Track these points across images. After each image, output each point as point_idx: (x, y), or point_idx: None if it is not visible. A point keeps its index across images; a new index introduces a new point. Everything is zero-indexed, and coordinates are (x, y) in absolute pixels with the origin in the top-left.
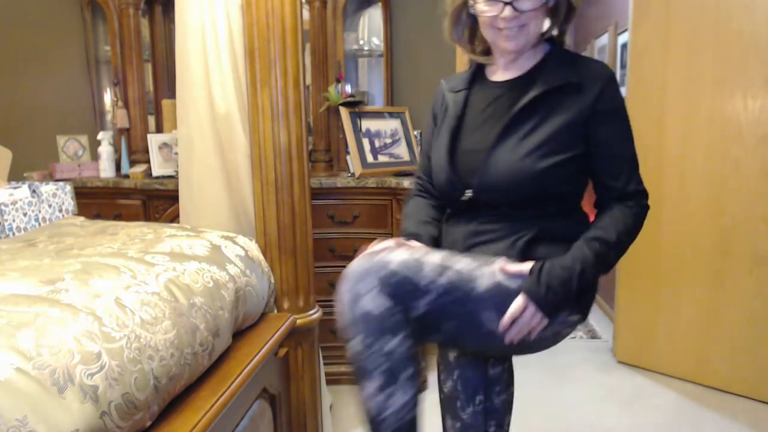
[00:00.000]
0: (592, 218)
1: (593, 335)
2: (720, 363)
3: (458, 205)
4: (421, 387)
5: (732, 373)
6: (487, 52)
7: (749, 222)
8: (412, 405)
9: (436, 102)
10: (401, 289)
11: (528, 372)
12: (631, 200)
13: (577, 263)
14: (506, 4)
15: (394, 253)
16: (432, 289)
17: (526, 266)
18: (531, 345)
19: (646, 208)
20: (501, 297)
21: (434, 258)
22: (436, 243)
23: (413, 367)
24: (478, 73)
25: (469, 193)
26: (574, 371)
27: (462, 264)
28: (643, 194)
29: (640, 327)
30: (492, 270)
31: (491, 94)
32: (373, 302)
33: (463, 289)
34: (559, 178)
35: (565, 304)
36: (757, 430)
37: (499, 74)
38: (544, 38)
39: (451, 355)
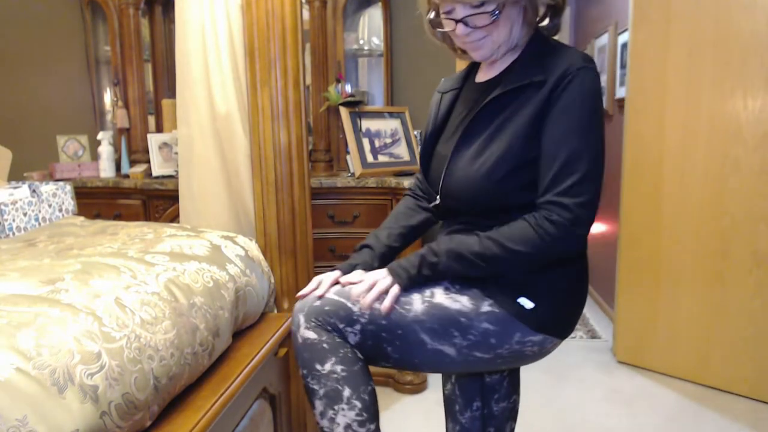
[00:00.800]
0: None
1: (593, 335)
2: (720, 363)
3: (436, 209)
4: (370, 402)
5: (732, 373)
6: None
7: (749, 222)
8: (359, 422)
9: (433, 102)
10: (333, 317)
11: (528, 372)
12: (543, 210)
13: (428, 252)
14: (458, 21)
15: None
16: (364, 314)
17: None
18: (488, 363)
19: (560, 225)
20: (438, 316)
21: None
22: (391, 254)
23: (351, 387)
24: (471, 72)
25: (437, 200)
26: (574, 371)
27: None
28: (564, 208)
29: (640, 327)
30: (428, 291)
31: (471, 97)
32: (304, 335)
33: (397, 312)
34: (517, 185)
35: (412, 275)
36: (757, 430)
37: (482, 74)
38: (527, 37)
39: None
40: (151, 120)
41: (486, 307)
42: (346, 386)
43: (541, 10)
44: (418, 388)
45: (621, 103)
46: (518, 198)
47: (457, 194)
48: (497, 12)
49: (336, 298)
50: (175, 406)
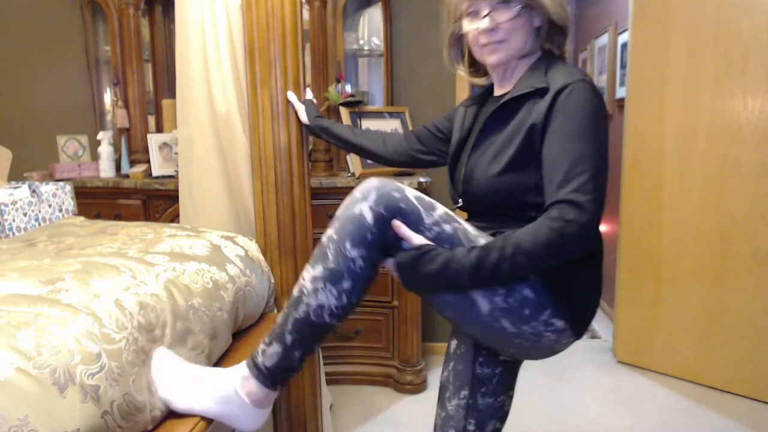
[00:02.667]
0: None
1: (593, 335)
2: (720, 363)
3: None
4: (349, 311)
5: (732, 373)
6: (487, 72)
7: (749, 222)
8: (330, 314)
9: (457, 115)
10: (400, 216)
11: (528, 372)
12: (556, 210)
13: (451, 261)
14: (484, 16)
15: (411, 189)
16: (433, 229)
17: (417, 240)
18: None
19: (576, 224)
20: None
21: (445, 208)
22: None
23: (353, 284)
24: (491, 91)
25: (459, 203)
26: (574, 371)
27: (468, 225)
28: (577, 206)
29: (640, 327)
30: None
31: (488, 109)
32: (363, 211)
33: (463, 245)
34: (533, 185)
35: (424, 285)
36: (757, 430)
37: (497, 90)
38: (536, 56)
39: (453, 345)
40: (151, 120)
41: (532, 275)
42: (351, 280)
43: (549, 29)
44: (418, 388)
45: (621, 103)
46: (536, 197)
47: (477, 196)
48: (521, 8)
49: (415, 203)
50: None
